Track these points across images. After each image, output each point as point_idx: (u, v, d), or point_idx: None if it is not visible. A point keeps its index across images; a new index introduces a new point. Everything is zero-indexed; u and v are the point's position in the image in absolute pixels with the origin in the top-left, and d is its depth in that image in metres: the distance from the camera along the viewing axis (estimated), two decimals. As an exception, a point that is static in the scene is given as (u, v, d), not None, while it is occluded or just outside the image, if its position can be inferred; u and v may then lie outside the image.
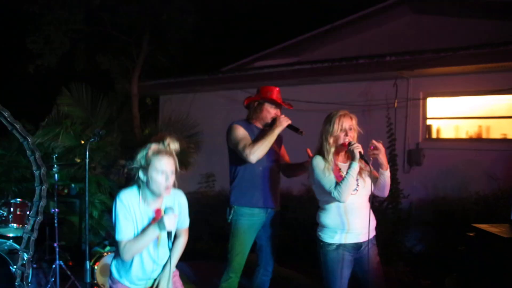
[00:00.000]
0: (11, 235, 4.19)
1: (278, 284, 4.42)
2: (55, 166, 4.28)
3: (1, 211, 4.17)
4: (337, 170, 2.63)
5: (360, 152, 2.54)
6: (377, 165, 2.68)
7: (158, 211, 2.33)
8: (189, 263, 4.69)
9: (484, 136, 5.68)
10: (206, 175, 7.23)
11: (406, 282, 4.46)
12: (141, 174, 2.27)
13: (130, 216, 2.28)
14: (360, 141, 2.65)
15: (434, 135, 5.93)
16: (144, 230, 2.28)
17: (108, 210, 5.82)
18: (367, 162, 2.58)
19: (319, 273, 2.76)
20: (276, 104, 3.19)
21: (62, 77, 7.73)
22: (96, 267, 3.99)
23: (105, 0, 7.51)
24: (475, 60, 5.05)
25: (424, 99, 5.82)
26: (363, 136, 2.71)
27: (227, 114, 6.36)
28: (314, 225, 2.80)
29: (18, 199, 4.30)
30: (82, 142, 5.94)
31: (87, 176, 2.97)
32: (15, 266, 3.54)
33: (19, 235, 4.16)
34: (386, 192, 2.73)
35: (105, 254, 4.07)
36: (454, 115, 5.89)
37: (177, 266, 2.55)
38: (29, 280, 3.32)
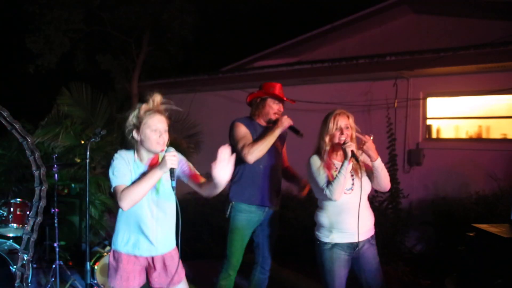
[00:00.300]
0: (11, 235, 4.19)
1: (278, 284, 4.43)
2: (55, 166, 4.28)
3: (1, 211, 4.17)
4: (334, 169, 2.64)
5: (352, 151, 2.55)
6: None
7: (155, 157, 2.35)
8: (189, 263, 4.68)
9: (484, 136, 5.68)
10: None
11: (406, 282, 4.46)
12: (134, 134, 2.31)
13: (128, 168, 2.29)
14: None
15: (434, 135, 5.92)
16: (143, 175, 2.26)
17: (108, 210, 5.81)
18: (357, 161, 2.58)
19: (319, 273, 2.76)
20: (279, 99, 3.19)
21: (62, 77, 7.74)
22: (96, 267, 3.99)
23: (105, 0, 7.52)
24: (475, 60, 5.04)
25: (424, 99, 5.82)
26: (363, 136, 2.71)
27: (227, 114, 6.34)
28: (313, 225, 2.81)
29: (18, 199, 4.29)
30: (82, 142, 5.93)
31: (87, 176, 2.97)
32: (15, 267, 3.54)
33: (19, 235, 4.16)
34: (385, 185, 2.71)
35: (105, 254, 4.07)
36: (454, 115, 5.89)
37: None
38: (29, 280, 3.32)
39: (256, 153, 2.96)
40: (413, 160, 5.72)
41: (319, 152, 2.70)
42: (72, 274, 4.23)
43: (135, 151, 2.36)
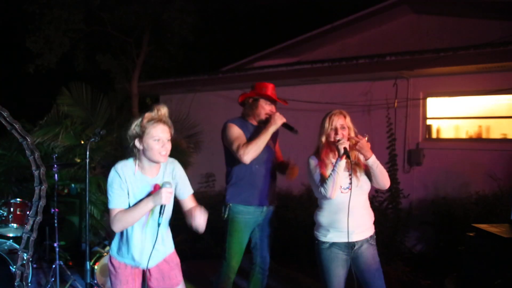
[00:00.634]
0: (11, 235, 4.20)
1: (278, 283, 4.43)
2: (55, 166, 4.28)
3: (1, 211, 4.17)
4: (331, 168, 2.65)
5: (345, 148, 2.57)
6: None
7: (156, 187, 2.33)
8: (188, 263, 4.68)
9: (484, 136, 5.68)
10: (206, 175, 7.23)
11: (406, 282, 4.46)
12: (137, 143, 2.28)
13: (125, 187, 2.29)
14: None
15: (434, 135, 5.92)
16: (138, 202, 2.28)
17: (108, 210, 5.81)
18: (349, 158, 2.58)
19: (318, 272, 2.76)
20: (271, 100, 3.16)
21: (62, 77, 7.73)
22: (96, 267, 3.99)
23: (105, 0, 7.52)
24: (475, 60, 5.04)
25: (424, 99, 5.82)
26: (362, 134, 2.72)
27: (227, 114, 6.33)
28: (313, 224, 2.81)
29: (18, 199, 4.30)
30: (82, 142, 5.93)
31: (87, 176, 2.98)
32: (15, 266, 3.54)
33: (19, 235, 4.16)
34: (383, 183, 2.71)
35: (105, 254, 4.06)
36: (454, 115, 5.89)
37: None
38: (29, 280, 3.32)
39: (251, 153, 2.93)
40: (413, 160, 5.72)
41: (317, 151, 2.74)
42: (72, 274, 4.23)
43: (136, 161, 2.34)
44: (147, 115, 2.29)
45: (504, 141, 5.48)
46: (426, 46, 5.57)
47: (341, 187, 2.62)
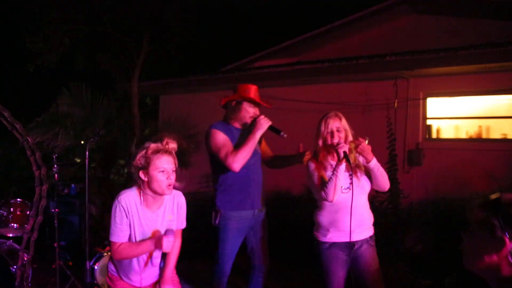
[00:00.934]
0: (11, 235, 4.19)
1: (278, 283, 4.43)
2: (55, 166, 4.28)
3: (1, 211, 4.17)
4: (330, 170, 2.65)
5: (344, 152, 2.57)
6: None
7: (155, 233, 2.33)
8: (188, 263, 4.68)
9: (484, 136, 5.67)
10: (206, 175, 7.22)
11: (406, 282, 4.46)
12: (141, 174, 2.25)
13: (127, 220, 2.29)
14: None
15: (434, 135, 5.92)
16: (140, 242, 2.30)
17: (108, 210, 5.81)
18: (348, 162, 2.58)
19: (318, 273, 2.76)
20: (255, 103, 3.12)
21: (62, 77, 7.73)
22: (96, 267, 3.99)
23: (105, 0, 7.51)
24: (475, 60, 5.04)
25: (424, 99, 5.82)
26: (362, 136, 2.72)
27: (227, 114, 6.35)
28: (313, 224, 2.81)
29: (18, 199, 4.30)
30: (82, 142, 5.94)
31: (87, 176, 2.98)
32: (15, 266, 3.54)
33: (19, 235, 4.16)
34: (383, 185, 2.71)
35: (105, 254, 4.07)
36: (454, 115, 5.89)
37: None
38: (29, 280, 3.32)
39: (240, 160, 2.88)
40: (413, 160, 5.71)
41: (316, 154, 2.75)
42: (72, 274, 4.23)
43: (141, 193, 2.32)
44: (153, 146, 2.27)
45: (504, 141, 5.48)
46: (426, 46, 5.56)
47: (341, 187, 2.62)
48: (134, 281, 2.43)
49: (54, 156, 4.46)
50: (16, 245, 3.92)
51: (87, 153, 2.96)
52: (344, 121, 2.70)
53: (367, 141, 2.64)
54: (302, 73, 6.29)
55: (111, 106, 6.77)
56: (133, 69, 7.93)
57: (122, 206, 2.28)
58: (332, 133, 2.65)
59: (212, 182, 3.25)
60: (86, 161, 2.97)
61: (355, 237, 2.65)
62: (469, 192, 4.98)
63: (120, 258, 2.35)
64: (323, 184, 2.60)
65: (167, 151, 2.28)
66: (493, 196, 1.30)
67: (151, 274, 2.47)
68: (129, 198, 2.30)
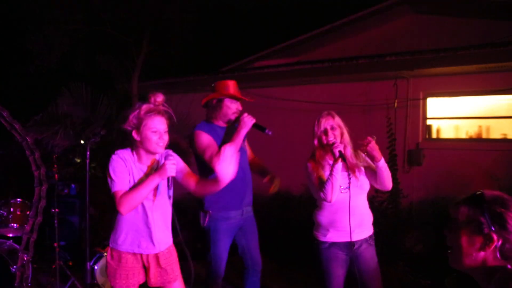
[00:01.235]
0: (11, 235, 4.19)
1: (278, 283, 4.43)
2: (55, 166, 4.27)
3: (1, 211, 4.17)
4: (328, 169, 2.64)
5: (340, 151, 2.56)
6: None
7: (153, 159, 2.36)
8: (188, 263, 4.67)
9: (484, 136, 5.68)
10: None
11: (406, 282, 4.46)
12: (134, 134, 2.30)
13: (126, 170, 2.30)
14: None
15: (434, 135, 5.92)
16: (142, 181, 2.28)
17: (108, 210, 5.81)
18: (344, 161, 2.57)
19: (318, 272, 2.76)
20: (236, 98, 3.10)
21: (62, 77, 7.73)
22: (96, 267, 3.99)
23: (105, 0, 7.51)
24: (475, 60, 5.04)
25: (424, 99, 5.82)
26: (363, 136, 2.71)
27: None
28: (313, 224, 2.81)
29: (18, 199, 4.29)
30: (82, 142, 5.93)
31: (87, 176, 2.98)
32: (15, 266, 3.54)
33: (19, 235, 4.16)
34: (387, 184, 2.69)
35: (105, 254, 4.06)
36: (454, 115, 5.89)
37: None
38: (29, 280, 3.32)
39: None
40: (413, 160, 5.71)
41: (313, 154, 2.75)
42: (72, 274, 4.22)
43: (134, 151, 2.36)
44: (145, 106, 2.31)
45: (504, 141, 5.48)
46: (426, 46, 5.56)
47: (340, 187, 2.61)
48: (147, 248, 2.37)
49: (54, 156, 4.46)
50: (16, 245, 3.92)
51: (87, 153, 2.95)
52: (337, 119, 2.69)
53: (375, 139, 2.62)
54: (302, 73, 6.29)
55: (111, 106, 6.76)
56: (133, 69, 7.93)
57: (120, 157, 2.31)
58: (326, 132, 2.65)
59: None
60: (87, 161, 2.96)
61: (355, 237, 2.65)
62: (469, 192, 4.97)
63: (129, 207, 2.25)
64: (322, 184, 2.60)
65: (160, 112, 2.32)
66: (477, 193, 1.31)
67: (165, 236, 2.44)
68: (124, 154, 2.34)
